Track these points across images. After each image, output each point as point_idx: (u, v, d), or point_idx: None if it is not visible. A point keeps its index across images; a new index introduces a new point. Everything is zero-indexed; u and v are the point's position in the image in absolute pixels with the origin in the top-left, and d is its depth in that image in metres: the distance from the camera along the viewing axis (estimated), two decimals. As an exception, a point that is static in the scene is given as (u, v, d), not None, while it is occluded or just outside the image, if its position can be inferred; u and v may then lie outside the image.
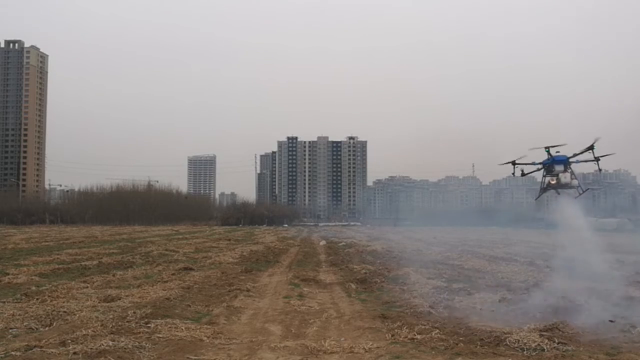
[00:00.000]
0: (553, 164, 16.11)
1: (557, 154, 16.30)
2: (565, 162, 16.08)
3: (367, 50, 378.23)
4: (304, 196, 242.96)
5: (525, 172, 17.52)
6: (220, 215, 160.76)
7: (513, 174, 17.54)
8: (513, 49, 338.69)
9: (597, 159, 16.24)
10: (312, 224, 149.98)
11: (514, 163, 17.15)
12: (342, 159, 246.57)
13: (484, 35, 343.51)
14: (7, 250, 35.47)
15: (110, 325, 11.51)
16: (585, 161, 16.44)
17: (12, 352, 9.57)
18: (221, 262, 27.61)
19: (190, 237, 60.03)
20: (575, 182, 16.27)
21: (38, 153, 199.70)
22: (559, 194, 16.88)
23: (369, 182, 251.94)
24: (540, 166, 16.82)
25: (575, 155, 16.38)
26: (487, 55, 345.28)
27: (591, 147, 16.32)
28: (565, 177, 15.94)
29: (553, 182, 16.23)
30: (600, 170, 16.60)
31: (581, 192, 17.17)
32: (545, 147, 16.34)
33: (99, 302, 14.77)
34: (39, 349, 9.72)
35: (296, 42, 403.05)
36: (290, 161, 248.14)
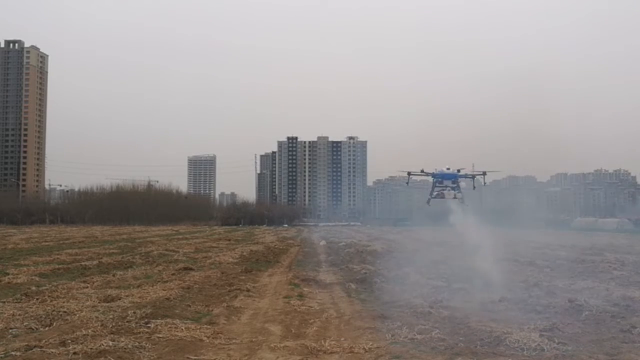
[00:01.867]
0: (443, 178, 18.68)
1: (448, 170, 18.87)
2: (453, 178, 18.64)
3: (368, 51, 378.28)
4: (304, 196, 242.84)
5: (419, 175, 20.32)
6: (220, 215, 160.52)
7: (407, 182, 20.81)
8: (514, 51, 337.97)
9: (484, 174, 19.26)
10: (312, 224, 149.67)
11: (409, 173, 19.51)
12: (342, 159, 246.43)
13: (486, 37, 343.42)
14: (7, 250, 35.47)
15: (110, 325, 11.52)
16: (473, 176, 19.18)
17: (12, 352, 9.57)
18: (221, 262, 27.62)
19: (190, 237, 60.03)
20: (459, 195, 18.76)
21: (38, 153, 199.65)
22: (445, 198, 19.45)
23: (369, 182, 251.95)
24: (432, 176, 19.39)
25: (465, 175, 19.08)
26: (488, 57, 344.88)
27: (474, 175, 19.47)
28: (449, 194, 18.57)
29: (435, 195, 18.92)
30: (484, 183, 19.82)
31: (463, 204, 19.75)
32: (435, 170, 19.32)
33: (99, 302, 14.78)
34: (39, 349, 9.72)
35: (297, 44, 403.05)
36: (290, 161, 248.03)
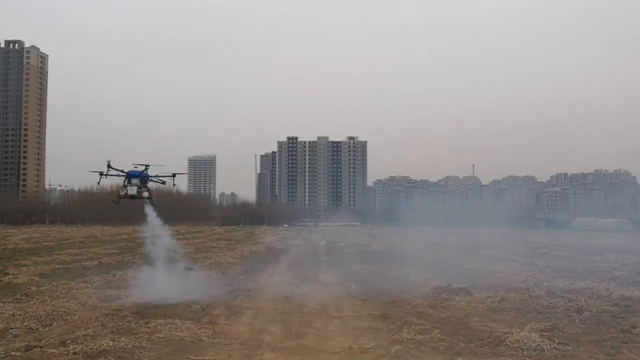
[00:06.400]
0: (130, 177, 18.92)
1: (135, 168, 19.13)
2: (138, 176, 18.93)
3: (368, 51, 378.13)
4: (304, 196, 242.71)
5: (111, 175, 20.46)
6: (220, 215, 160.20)
7: (98, 182, 20.85)
8: (513, 56, 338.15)
9: (173, 176, 20.26)
10: (312, 224, 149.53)
11: (101, 173, 19.67)
12: (342, 159, 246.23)
13: (484, 44, 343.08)
14: (7, 250, 35.47)
15: (110, 325, 11.52)
16: (163, 177, 19.84)
17: (12, 352, 9.57)
18: (221, 262, 27.62)
19: (190, 237, 60.00)
20: (146, 194, 19.24)
21: (38, 153, 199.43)
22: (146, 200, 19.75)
23: (369, 182, 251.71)
24: (124, 175, 19.43)
25: (155, 175, 19.58)
26: (486, 62, 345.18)
27: (163, 176, 20.17)
28: (132, 190, 18.81)
29: (122, 194, 19.02)
30: (174, 185, 21.00)
31: (153, 204, 20.55)
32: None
33: (99, 302, 14.79)
34: (39, 349, 9.72)
35: (298, 43, 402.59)
36: (290, 161, 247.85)
